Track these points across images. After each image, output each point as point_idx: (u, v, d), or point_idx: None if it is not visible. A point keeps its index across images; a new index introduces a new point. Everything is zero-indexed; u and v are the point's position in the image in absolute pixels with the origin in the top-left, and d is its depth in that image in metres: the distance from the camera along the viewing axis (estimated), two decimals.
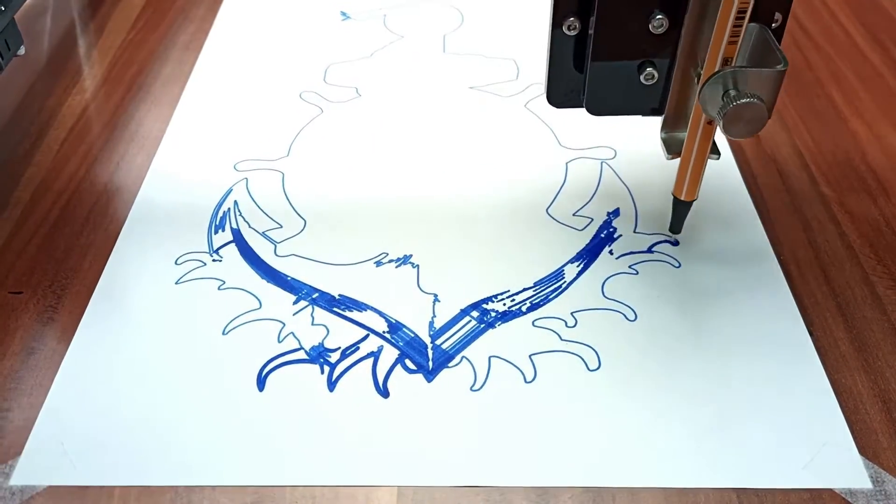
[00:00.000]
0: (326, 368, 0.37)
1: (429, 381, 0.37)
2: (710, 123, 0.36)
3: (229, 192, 0.47)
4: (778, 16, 0.34)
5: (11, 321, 0.39)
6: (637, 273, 0.42)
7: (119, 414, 0.35)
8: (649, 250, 0.43)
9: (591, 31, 0.35)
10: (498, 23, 0.63)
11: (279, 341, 0.38)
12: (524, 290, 0.41)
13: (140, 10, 0.65)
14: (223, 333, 0.39)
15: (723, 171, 0.48)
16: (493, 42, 0.61)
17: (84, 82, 0.57)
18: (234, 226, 0.45)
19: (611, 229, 0.44)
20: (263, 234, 0.44)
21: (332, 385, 0.36)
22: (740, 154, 0.49)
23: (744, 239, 0.44)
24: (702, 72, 0.35)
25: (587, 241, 0.44)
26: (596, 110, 0.38)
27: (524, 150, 0.50)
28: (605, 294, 0.41)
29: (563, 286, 0.41)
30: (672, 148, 0.38)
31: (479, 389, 0.36)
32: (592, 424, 0.35)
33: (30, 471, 0.33)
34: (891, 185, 0.47)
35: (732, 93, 0.33)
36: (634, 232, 0.44)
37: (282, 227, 0.45)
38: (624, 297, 0.40)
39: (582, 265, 0.42)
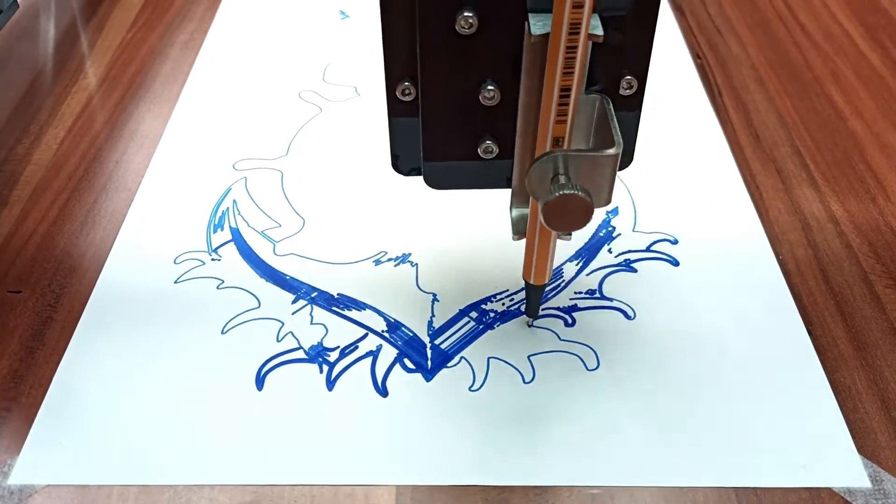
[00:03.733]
0: (325, 367, 0.37)
1: (427, 380, 0.37)
2: None
3: (228, 191, 0.47)
4: (632, 80, 0.30)
5: (10, 320, 0.39)
6: (636, 272, 0.42)
7: (118, 413, 0.35)
8: (648, 249, 0.43)
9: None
10: None
11: (278, 340, 0.38)
12: (523, 289, 0.41)
13: (139, 9, 0.65)
14: (222, 332, 0.39)
15: (721, 170, 0.48)
16: None
17: (83, 81, 0.57)
18: (233, 225, 0.45)
19: (609, 228, 0.44)
20: (262, 234, 0.44)
21: (330, 384, 0.36)
22: (739, 153, 0.49)
23: (742, 238, 0.44)
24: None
25: (586, 240, 0.44)
26: (436, 184, 0.33)
27: None
28: (604, 293, 0.41)
29: (562, 285, 0.41)
30: (518, 227, 0.34)
31: (477, 390, 0.36)
32: (591, 424, 0.35)
33: (29, 470, 0.33)
34: (889, 184, 0.47)
35: (562, 179, 0.29)
36: (633, 230, 0.44)
37: (280, 226, 0.45)
38: (623, 296, 0.40)
39: (581, 263, 0.42)
